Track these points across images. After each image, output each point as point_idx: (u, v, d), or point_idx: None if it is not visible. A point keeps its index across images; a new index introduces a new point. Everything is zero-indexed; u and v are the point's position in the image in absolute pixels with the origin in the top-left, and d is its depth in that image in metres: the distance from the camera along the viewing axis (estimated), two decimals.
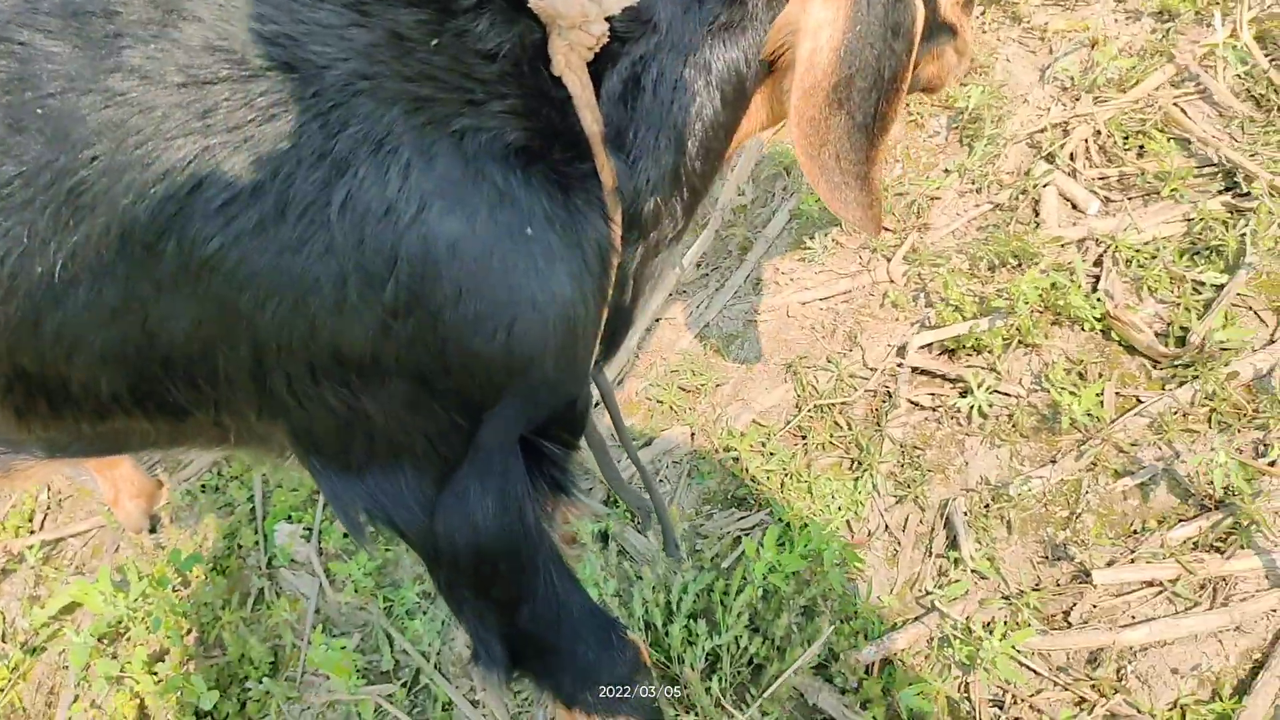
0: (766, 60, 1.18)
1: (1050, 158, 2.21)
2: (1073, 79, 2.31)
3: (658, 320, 2.25)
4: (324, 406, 1.12)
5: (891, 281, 2.16)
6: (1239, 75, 2.18)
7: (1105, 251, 2.03)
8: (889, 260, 2.18)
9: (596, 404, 1.83)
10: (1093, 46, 2.35)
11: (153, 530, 2.20)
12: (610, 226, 1.14)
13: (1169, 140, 2.14)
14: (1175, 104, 2.19)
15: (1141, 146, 2.16)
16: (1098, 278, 2.01)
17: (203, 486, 2.23)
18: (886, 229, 2.23)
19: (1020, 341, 1.96)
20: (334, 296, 1.03)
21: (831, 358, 2.08)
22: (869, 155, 1.15)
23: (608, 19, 1.10)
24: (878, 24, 1.11)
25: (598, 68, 1.12)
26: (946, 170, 2.27)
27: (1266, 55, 2.18)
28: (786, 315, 2.18)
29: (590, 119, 1.10)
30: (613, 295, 1.19)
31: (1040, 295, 1.97)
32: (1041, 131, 2.25)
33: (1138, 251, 2.00)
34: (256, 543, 2.10)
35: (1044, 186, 2.16)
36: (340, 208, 1.01)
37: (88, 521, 2.26)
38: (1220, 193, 2.05)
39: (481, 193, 1.04)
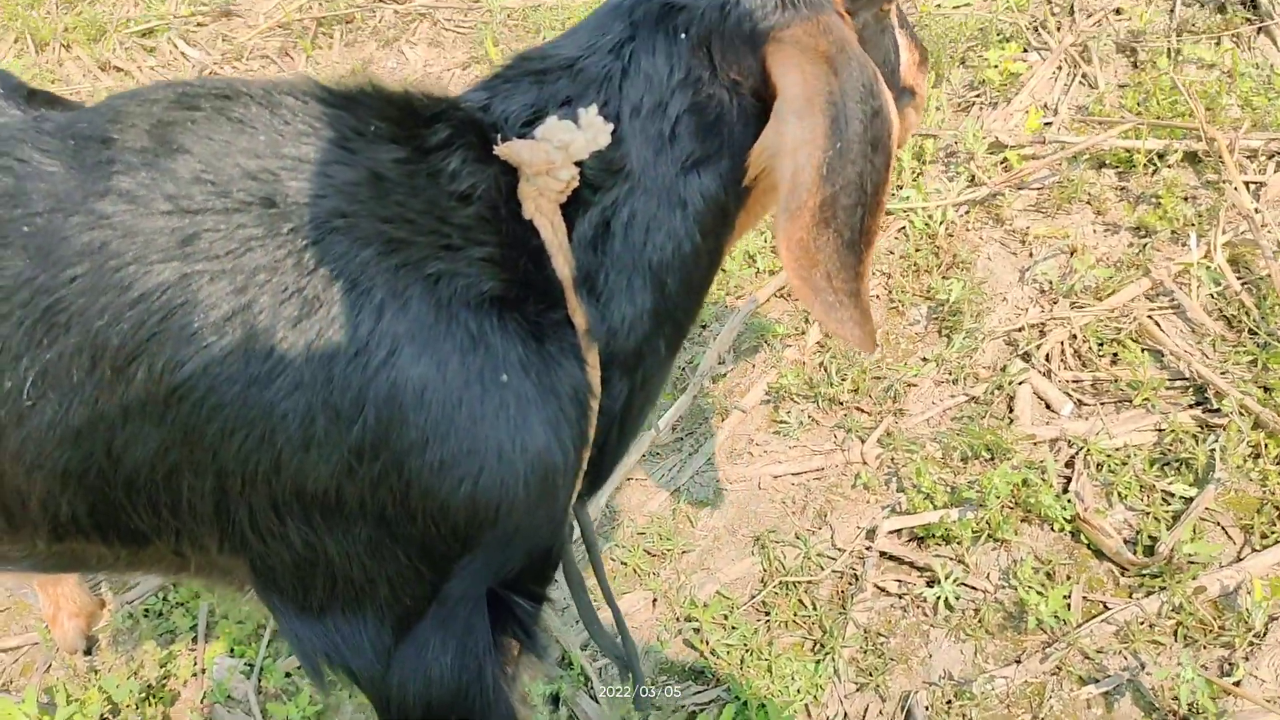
0: (748, 186, 1.18)
1: (1026, 356, 2.25)
2: (1051, 283, 2.37)
3: (628, 480, 2.23)
4: (286, 544, 1.10)
5: (864, 463, 2.16)
6: (1212, 295, 2.25)
7: (1077, 454, 2.05)
8: (863, 441, 2.19)
9: (575, 540, 1.80)
10: (1072, 254, 2.42)
11: (88, 652, 2.12)
12: (586, 371, 1.14)
13: (1143, 351, 2.19)
14: (1150, 316, 2.25)
15: (1115, 354, 2.21)
16: (1069, 479, 2.02)
17: (145, 610, 2.16)
18: (862, 410, 2.25)
19: (990, 535, 1.96)
20: (301, 433, 1.02)
21: (800, 534, 2.07)
22: (858, 271, 1.12)
23: (579, 163, 1.11)
24: (857, 140, 1.08)
25: (571, 211, 1.13)
26: (924, 359, 2.31)
27: (1238, 278, 2.26)
28: (758, 487, 2.17)
29: (562, 263, 1.11)
30: (597, 434, 1.19)
31: (1011, 491, 1.98)
32: (1019, 330, 2.30)
33: (1109, 457, 2.02)
34: (195, 674, 2.02)
35: (1019, 384, 2.20)
36: (310, 345, 1.01)
37: (21, 637, 2.18)
38: (1191, 406, 2.09)
39: (454, 338, 1.04)
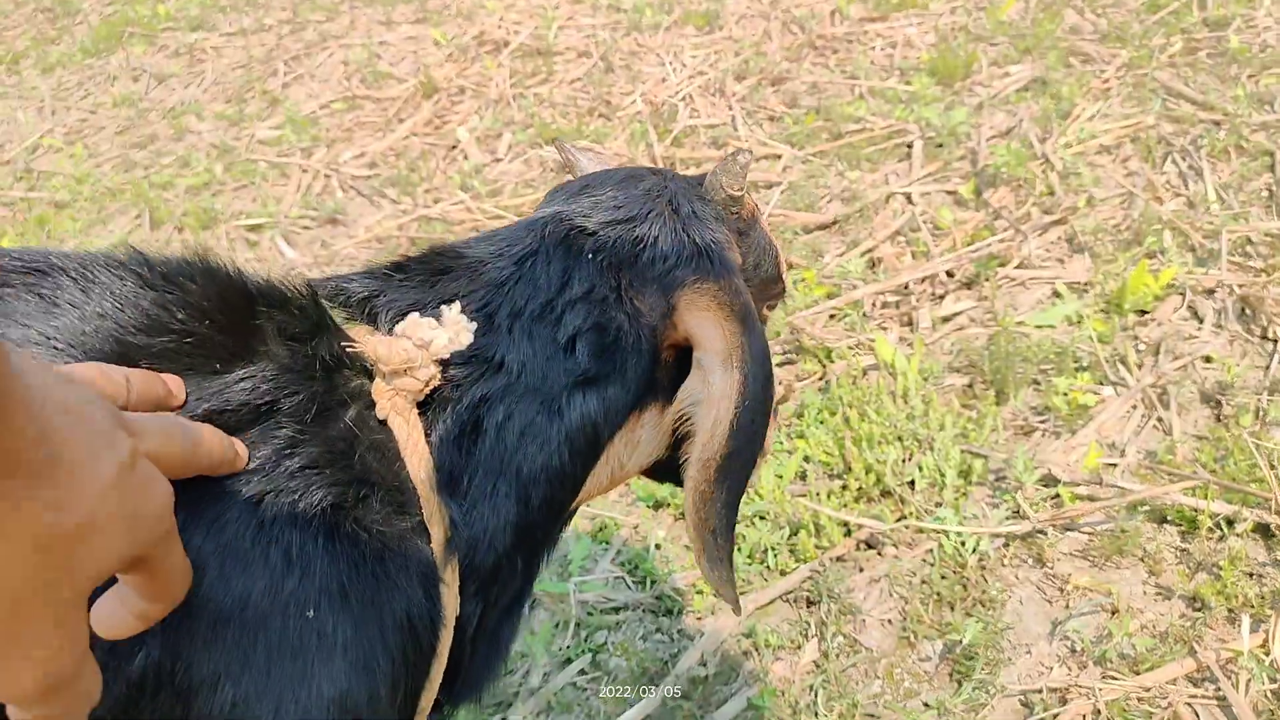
0: (671, 444, 1.19)
1: None
2: (1084, 643, 2.12)
3: None
4: None
5: None
6: (1263, 692, 1.96)
7: None
8: None
9: None
10: (1113, 614, 2.18)
11: None
12: (437, 590, 1.00)
13: None
14: (1188, 704, 1.97)
15: None
16: None
17: None
18: None
19: None
20: None
21: None
22: (733, 534, 1.15)
23: (440, 361, 1.04)
24: (760, 398, 1.11)
25: (433, 409, 1.04)
26: (926, 704, 2.06)
27: None
28: None
29: (418, 465, 1.00)
30: (446, 656, 1.03)
31: None
32: (1037, 692, 2.04)
33: None
34: None
35: None
36: None
37: None
38: None
39: (267, 560, 0.90)
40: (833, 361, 2.94)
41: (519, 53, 5.18)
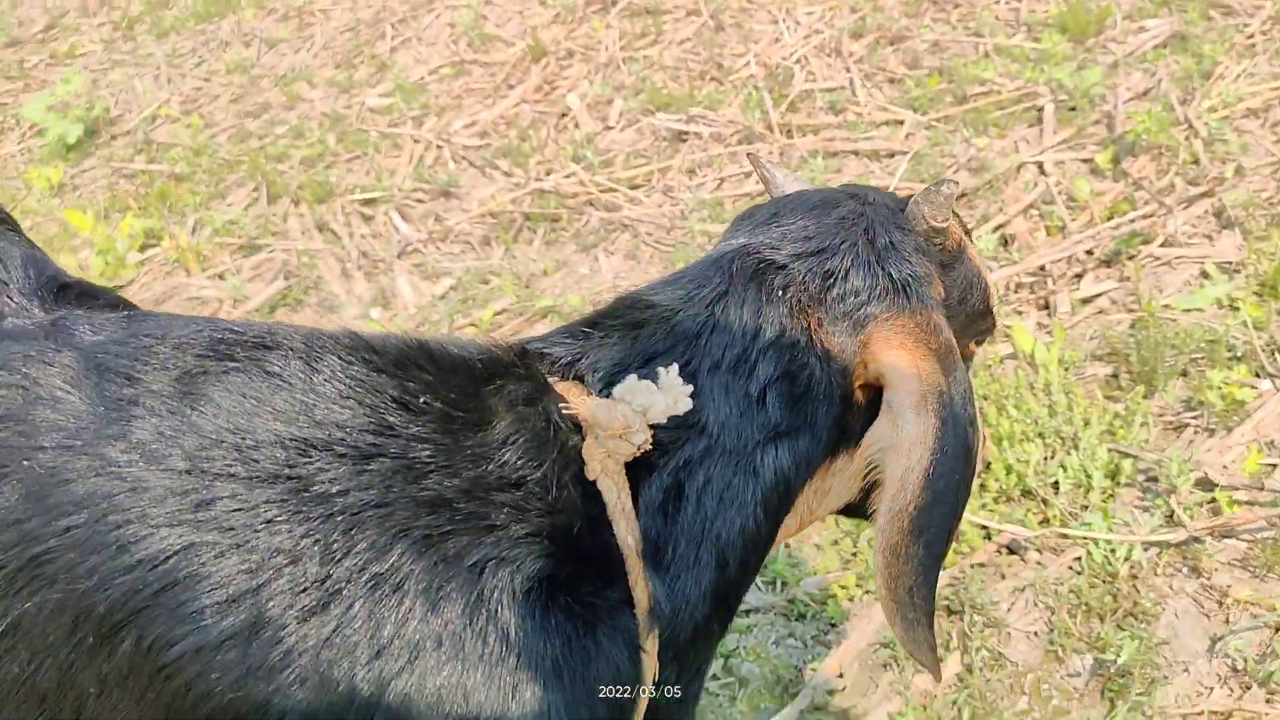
0: (863, 488, 1.13)
1: None
2: (1246, 663, 2.01)
3: None
4: None
5: None
6: None
7: None
8: None
9: None
10: (1276, 630, 2.06)
11: None
12: (639, 661, 1.01)
13: None
14: None
15: None
16: None
17: None
18: None
19: None
20: None
21: None
22: (934, 593, 1.08)
23: (652, 425, 1.03)
24: (961, 445, 1.06)
25: (636, 474, 1.04)
26: None
27: None
28: None
29: (625, 530, 1.01)
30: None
31: None
32: (1198, 715, 1.95)
33: None
34: None
35: None
36: (324, 641, 0.89)
37: None
38: None
39: (486, 643, 0.92)
40: None
41: (626, 11, 5.07)
